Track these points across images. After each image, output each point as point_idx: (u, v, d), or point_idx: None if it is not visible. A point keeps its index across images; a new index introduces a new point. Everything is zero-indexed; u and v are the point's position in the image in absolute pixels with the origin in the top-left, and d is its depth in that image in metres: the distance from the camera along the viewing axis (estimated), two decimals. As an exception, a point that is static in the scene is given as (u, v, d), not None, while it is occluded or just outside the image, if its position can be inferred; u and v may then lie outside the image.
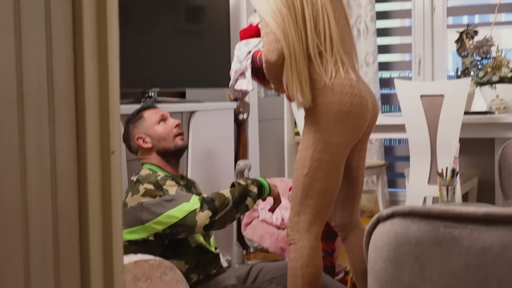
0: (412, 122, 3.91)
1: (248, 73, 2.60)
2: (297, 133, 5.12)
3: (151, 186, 2.52)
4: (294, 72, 2.34)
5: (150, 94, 3.55)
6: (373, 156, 5.49)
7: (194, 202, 2.44)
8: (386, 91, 5.82)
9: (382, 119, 4.20)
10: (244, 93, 2.68)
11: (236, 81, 2.66)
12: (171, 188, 2.52)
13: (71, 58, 0.89)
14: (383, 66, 5.70)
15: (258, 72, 2.56)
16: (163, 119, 2.74)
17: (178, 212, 2.43)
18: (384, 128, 4.22)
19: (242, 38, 2.68)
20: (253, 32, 2.65)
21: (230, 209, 2.47)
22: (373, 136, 4.50)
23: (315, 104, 2.36)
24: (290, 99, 2.47)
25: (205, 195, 2.51)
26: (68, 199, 0.93)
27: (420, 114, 3.87)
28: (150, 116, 2.74)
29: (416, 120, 3.89)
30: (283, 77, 2.37)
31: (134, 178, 2.60)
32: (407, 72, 5.81)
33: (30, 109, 0.87)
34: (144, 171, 2.63)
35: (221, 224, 2.48)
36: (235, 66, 2.63)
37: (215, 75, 3.95)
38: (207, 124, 3.75)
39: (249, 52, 2.59)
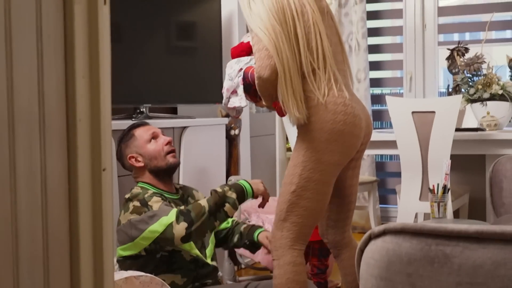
0: (404, 138, 3.91)
1: (240, 89, 2.60)
2: (289, 149, 5.12)
3: (138, 203, 2.53)
4: (290, 87, 2.34)
5: (141, 110, 3.54)
6: (364, 172, 5.49)
7: (171, 215, 2.44)
8: (377, 107, 5.83)
9: (374, 135, 4.21)
10: (238, 111, 2.69)
11: (229, 99, 2.66)
12: (155, 204, 2.52)
13: (62, 75, 0.89)
14: (375, 83, 5.72)
15: (249, 89, 2.57)
16: (154, 136, 2.74)
17: (158, 226, 2.44)
18: (376, 144, 4.23)
19: (233, 55, 2.69)
20: (244, 49, 2.66)
21: (207, 218, 2.46)
22: (365, 152, 4.50)
23: (309, 122, 2.36)
24: (281, 114, 2.46)
25: (182, 207, 2.51)
26: (59, 217, 0.92)
27: (411, 130, 3.87)
28: (141, 134, 2.74)
29: (408, 137, 3.89)
30: (278, 93, 2.37)
31: (126, 196, 2.62)
32: (398, 88, 5.83)
33: (20, 126, 0.87)
34: (136, 190, 2.64)
35: (199, 235, 2.47)
36: (227, 84, 2.64)
37: (207, 91, 3.95)
38: (199, 139, 3.75)
39: (241, 69, 2.60)
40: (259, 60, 2.36)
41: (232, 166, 4.20)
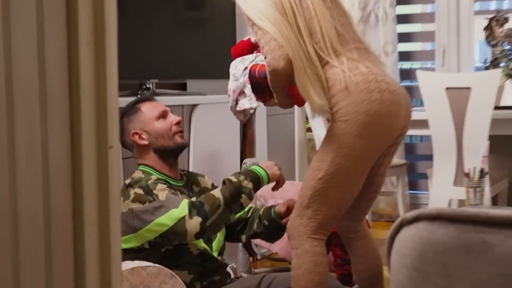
0: (436, 117, 3.89)
1: (248, 89, 2.62)
2: (309, 129, 5.11)
3: (140, 191, 2.51)
4: (305, 75, 2.34)
5: (148, 86, 3.54)
6: (392, 155, 5.47)
7: (182, 208, 2.43)
8: (407, 83, 5.80)
9: (403, 114, 4.19)
10: (247, 114, 2.70)
11: (236, 102, 2.67)
12: (162, 192, 2.51)
13: (64, 42, 0.88)
14: (404, 56, 5.68)
15: (257, 88, 2.58)
16: (163, 115, 2.73)
17: (167, 219, 2.42)
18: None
19: (234, 55, 2.71)
20: (245, 46, 2.68)
21: (223, 211, 2.46)
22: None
23: (341, 107, 2.33)
24: (300, 103, 2.46)
25: (194, 198, 2.50)
26: (62, 199, 0.92)
27: (445, 108, 3.85)
28: (148, 110, 2.72)
29: (441, 115, 3.87)
30: (296, 81, 2.37)
31: (127, 182, 2.60)
32: (430, 62, 5.79)
33: (19, 98, 0.87)
34: (137, 174, 2.63)
35: (214, 230, 2.48)
36: (232, 85, 2.65)
37: (219, 65, 3.94)
38: (211, 119, 3.75)
39: (246, 68, 2.61)
40: (270, 52, 2.37)
41: (246, 148, 4.20)
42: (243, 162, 3.75)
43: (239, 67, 2.65)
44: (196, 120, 3.60)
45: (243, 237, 2.83)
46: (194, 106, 3.62)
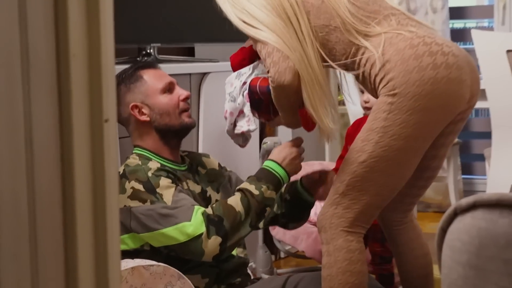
0: (496, 86, 3.87)
1: (247, 109, 2.61)
2: (341, 102, 5.10)
3: (140, 187, 2.49)
4: (317, 91, 2.35)
5: (148, 51, 3.55)
6: (442, 133, 5.46)
7: (198, 224, 2.41)
8: (459, 45, 5.77)
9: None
10: (247, 137, 2.70)
11: (234, 125, 2.67)
12: (167, 191, 2.49)
13: (51, -6, 0.89)
14: (456, 13, 5.65)
15: (260, 105, 2.57)
16: (169, 88, 2.70)
17: (178, 233, 2.42)
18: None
19: (233, 66, 2.71)
20: (246, 56, 2.68)
21: (244, 229, 2.47)
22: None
23: (384, 84, 2.31)
24: (308, 127, 2.49)
25: (209, 210, 2.47)
26: (49, 182, 0.93)
27: (506, 75, 3.83)
28: (152, 79, 2.68)
29: (501, 84, 3.85)
30: (304, 98, 2.38)
31: (120, 170, 2.57)
32: (486, 21, 5.76)
33: (-3, 62, 0.87)
34: (133, 160, 2.61)
35: (232, 249, 2.51)
36: (229, 107, 2.66)
37: (233, 26, 3.94)
38: (223, 90, 3.75)
39: (244, 83, 2.60)
40: (273, 65, 2.38)
41: (266, 125, 4.20)
42: (262, 142, 3.75)
43: (235, 85, 2.65)
44: (207, 92, 3.60)
45: (260, 223, 2.80)
46: (203, 75, 3.62)
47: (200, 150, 3.54)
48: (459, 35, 5.74)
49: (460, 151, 5.43)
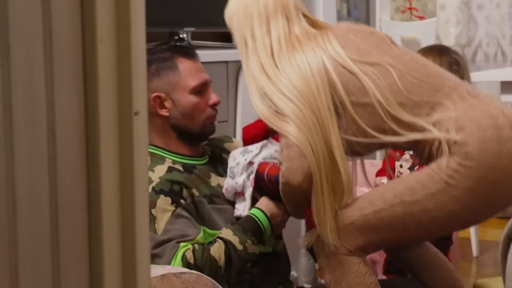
0: None
1: (249, 193, 2.63)
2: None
3: None
4: (328, 200, 2.36)
5: (181, 36, 3.56)
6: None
7: (177, 264, 2.43)
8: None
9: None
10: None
11: (228, 201, 2.70)
12: (161, 216, 2.49)
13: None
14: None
15: (265, 192, 2.61)
16: (202, 89, 2.67)
17: (159, 262, 2.45)
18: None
19: (245, 140, 2.74)
20: (259, 132, 2.69)
21: (218, 281, 2.46)
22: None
23: (465, 159, 2.31)
24: (310, 226, 2.50)
25: (191, 256, 2.45)
26: (73, 179, 0.94)
27: None
28: (188, 73, 2.65)
29: None
30: (312, 204, 2.39)
31: None
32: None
33: (16, 46, 0.88)
34: None
35: None
36: (227, 184, 2.66)
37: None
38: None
39: (250, 163, 2.62)
40: (288, 160, 2.39)
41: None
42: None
43: (239, 160, 2.66)
44: (245, 81, 3.61)
45: None
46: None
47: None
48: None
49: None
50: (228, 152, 2.77)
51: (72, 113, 0.93)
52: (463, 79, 2.70)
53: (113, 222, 0.97)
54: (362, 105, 2.39)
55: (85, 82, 0.94)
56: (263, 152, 2.65)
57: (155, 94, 2.60)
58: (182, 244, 2.45)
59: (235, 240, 2.51)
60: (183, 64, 2.64)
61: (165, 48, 2.70)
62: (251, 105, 3.62)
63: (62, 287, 0.96)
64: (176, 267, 2.21)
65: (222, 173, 2.73)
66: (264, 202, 2.60)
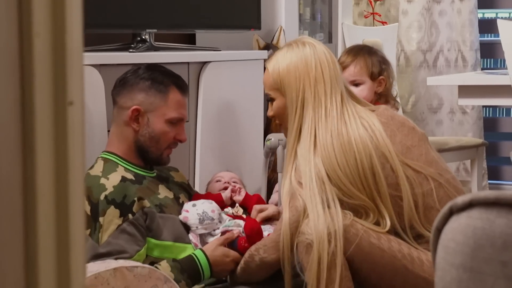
0: (523, 82, 3.87)
1: (218, 234, 2.76)
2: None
3: (88, 209, 2.54)
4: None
5: (143, 37, 3.58)
6: (467, 133, 5.46)
7: None
8: (488, 38, 5.78)
9: (482, 78, 4.19)
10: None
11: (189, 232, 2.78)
12: (107, 227, 2.54)
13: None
14: (485, 2, 5.64)
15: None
16: (178, 120, 2.78)
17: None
18: (484, 91, 4.19)
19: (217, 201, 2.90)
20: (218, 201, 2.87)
21: None
22: (468, 102, 4.50)
23: None
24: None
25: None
26: (9, 167, 0.96)
27: (534, 70, 3.83)
28: (174, 104, 2.78)
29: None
30: None
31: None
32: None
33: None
34: (96, 168, 2.68)
35: None
36: (182, 216, 2.77)
37: (239, 12, 3.97)
38: (226, 80, 3.78)
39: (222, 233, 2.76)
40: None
41: (272, 120, 4.22)
42: (266, 139, 3.77)
43: (191, 213, 2.78)
44: (207, 82, 3.63)
45: None
46: (203, 64, 3.64)
47: (199, 146, 3.57)
48: (487, 27, 5.73)
49: (487, 154, 5.43)
50: (173, 177, 2.87)
51: (8, 103, 0.96)
52: (389, 77, 2.92)
53: (48, 208, 1.00)
54: (393, 197, 2.50)
55: (21, 74, 0.97)
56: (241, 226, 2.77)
57: (135, 106, 2.69)
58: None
59: (170, 276, 2.51)
60: (174, 95, 2.77)
61: (166, 72, 2.80)
62: (211, 106, 3.65)
63: None
64: (128, 261, 2.23)
65: (170, 188, 2.84)
66: (211, 247, 2.66)
